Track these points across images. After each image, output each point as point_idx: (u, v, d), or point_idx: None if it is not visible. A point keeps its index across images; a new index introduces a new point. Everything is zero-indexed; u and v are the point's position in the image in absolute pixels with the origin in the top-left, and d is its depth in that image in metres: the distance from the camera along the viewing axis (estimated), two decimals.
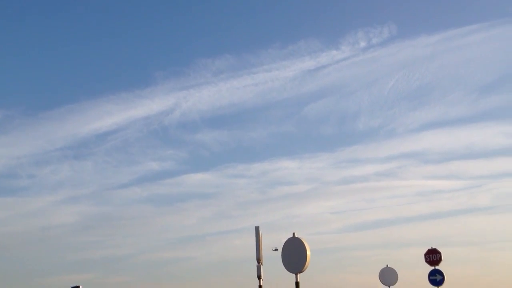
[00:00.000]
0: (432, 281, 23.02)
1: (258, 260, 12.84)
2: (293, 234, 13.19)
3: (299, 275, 12.76)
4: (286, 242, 13.11)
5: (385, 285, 22.27)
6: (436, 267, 23.08)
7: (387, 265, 22.51)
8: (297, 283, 12.74)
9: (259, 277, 12.79)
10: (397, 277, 22.36)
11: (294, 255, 12.87)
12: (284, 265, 12.92)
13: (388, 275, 22.29)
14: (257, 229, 13.01)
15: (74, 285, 17.59)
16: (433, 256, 23.47)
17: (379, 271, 22.88)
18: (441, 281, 22.86)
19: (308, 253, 12.77)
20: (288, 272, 12.91)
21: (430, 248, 23.75)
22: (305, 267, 12.72)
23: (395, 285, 22.40)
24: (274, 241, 14.20)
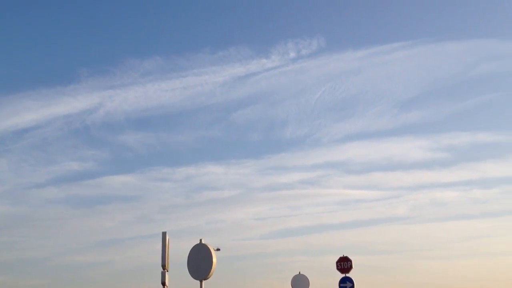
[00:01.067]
0: None
1: (164, 266, 12.60)
2: (200, 240, 13.08)
3: (204, 282, 12.66)
4: (192, 248, 12.98)
5: None
6: (347, 275, 23.62)
7: (299, 272, 22.84)
8: None
9: (163, 284, 12.54)
10: (309, 284, 22.71)
11: (200, 261, 12.75)
12: (189, 272, 12.77)
13: (300, 282, 22.60)
14: (164, 234, 12.77)
15: None
16: (344, 264, 23.99)
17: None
18: None
19: (214, 260, 12.69)
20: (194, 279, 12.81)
21: (341, 256, 24.23)
22: (210, 274, 12.62)
23: None
24: (185, 247, 14.00)
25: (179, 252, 14.63)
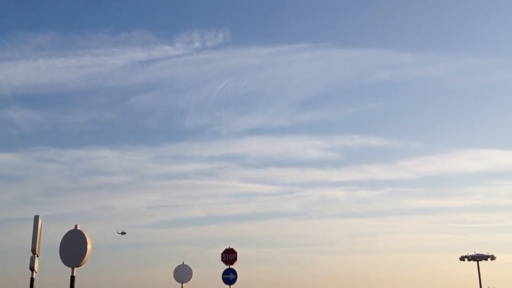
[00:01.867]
0: (225, 280, 23.81)
1: (34, 251, 12.00)
2: (76, 226, 12.60)
3: (75, 269, 12.22)
4: (66, 234, 12.47)
5: (178, 282, 22.46)
6: (231, 266, 23.91)
7: (183, 262, 22.76)
8: (72, 278, 12.16)
9: (31, 269, 11.95)
10: (191, 274, 22.69)
11: (73, 248, 12.29)
12: (61, 258, 12.28)
13: (182, 272, 22.52)
14: (36, 218, 12.15)
15: None
16: (229, 256, 24.26)
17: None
18: (233, 280, 23.72)
19: (89, 247, 12.29)
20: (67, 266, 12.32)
21: (227, 247, 24.45)
22: (83, 261, 12.21)
23: (188, 283, 22.70)
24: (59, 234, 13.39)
25: (59, 238, 14.00)
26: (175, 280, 22.50)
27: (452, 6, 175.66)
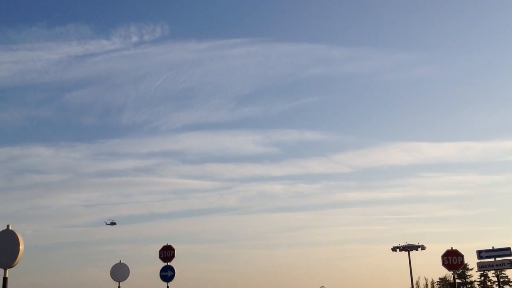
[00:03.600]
0: (163, 277, 23.81)
1: None
2: (7, 226, 12.31)
3: (8, 270, 11.95)
4: None
5: (115, 281, 22.24)
6: (169, 264, 23.92)
7: (120, 261, 22.55)
8: (5, 279, 11.89)
9: None
10: (129, 273, 22.52)
11: (5, 249, 12.00)
12: None
13: (119, 271, 22.31)
14: None
15: None
16: (167, 253, 24.29)
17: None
18: (171, 277, 23.77)
19: (21, 247, 12.04)
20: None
21: (165, 244, 24.46)
22: (16, 262, 11.95)
23: (125, 281, 22.52)
24: None
25: None
26: (112, 279, 22.26)
27: (384, 3, 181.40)
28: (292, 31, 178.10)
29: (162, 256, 24.09)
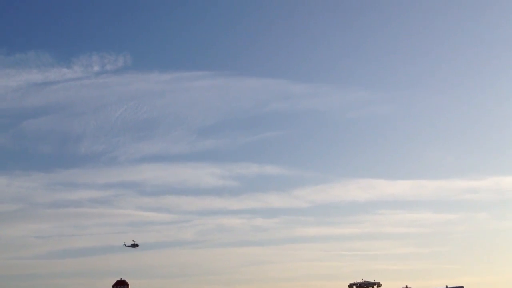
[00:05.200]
0: None
1: None
2: None
3: None
4: None
5: None
6: None
7: None
8: None
9: None
10: None
11: None
12: None
13: None
14: None
15: None
16: None
17: None
18: None
19: None
20: None
21: (119, 279, 26.32)
22: None
23: None
24: None
25: None
26: None
27: (346, 42, 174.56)
28: (255, 65, 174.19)
29: None
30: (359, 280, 76.31)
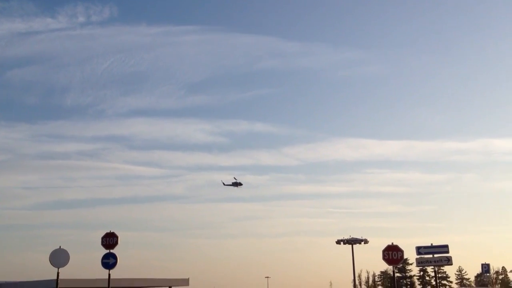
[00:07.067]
0: (105, 264, 23.52)
1: None
2: None
3: None
4: None
5: (55, 266, 21.67)
6: (111, 251, 23.60)
7: (60, 247, 21.96)
8: None
9: None
10: (69, 258, 21.99)
11: None
12: None
13: (59, 257, 21.75)
14: None
15: None
16: (109, 240, 24.01)
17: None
18: (113, 264, 23.50)
19: None
20: None
21: (108, 231, 24.15)
22: None
23: (65, 267, 22.00)
24: None
25: None
26: (51, 265, 21.68)
27: (339, 1, 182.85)
28: (246, 22, 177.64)
29: (104, 243, 23.68)
30: (346, 237, 69.71)
